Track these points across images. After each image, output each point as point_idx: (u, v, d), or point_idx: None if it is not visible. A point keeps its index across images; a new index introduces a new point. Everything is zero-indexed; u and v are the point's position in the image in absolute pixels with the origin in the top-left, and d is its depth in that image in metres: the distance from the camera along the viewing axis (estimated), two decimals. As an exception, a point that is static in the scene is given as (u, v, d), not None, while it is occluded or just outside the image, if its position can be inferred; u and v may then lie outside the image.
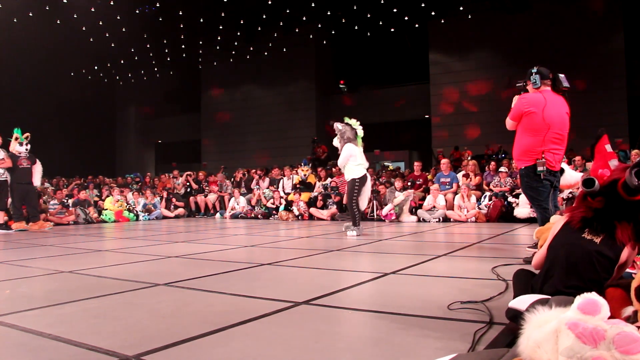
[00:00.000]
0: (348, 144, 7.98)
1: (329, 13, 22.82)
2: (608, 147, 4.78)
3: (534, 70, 4.85)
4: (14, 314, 2.96)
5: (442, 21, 22.75)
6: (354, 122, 8.19)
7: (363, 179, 7.99)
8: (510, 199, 10.70)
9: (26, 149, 10.82)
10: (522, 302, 2.23)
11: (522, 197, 10.10)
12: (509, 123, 4.96)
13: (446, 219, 10.88)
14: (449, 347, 2.17)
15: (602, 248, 2.37)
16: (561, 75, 4.86)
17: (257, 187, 14.99)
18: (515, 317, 2.08)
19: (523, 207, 10.11)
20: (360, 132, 8.22)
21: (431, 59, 23.52)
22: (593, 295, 1.59)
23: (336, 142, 8.20)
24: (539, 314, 1.69)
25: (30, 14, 20.19)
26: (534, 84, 4.83)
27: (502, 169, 11.64)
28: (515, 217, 10.26)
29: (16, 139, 10.81)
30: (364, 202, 8.27)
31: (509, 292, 3.15)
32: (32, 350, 2.29)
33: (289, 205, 13.08)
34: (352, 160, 7.97)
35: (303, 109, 26.08)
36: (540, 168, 4.67)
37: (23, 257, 5.86)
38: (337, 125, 8.19)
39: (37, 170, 10.98)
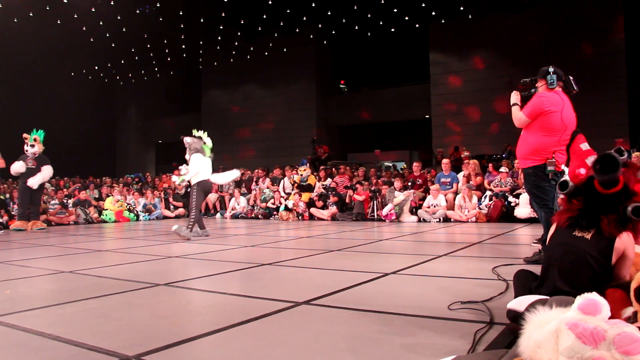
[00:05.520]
0: (195, 155, 8.18)
1: (329, 13, 22.81)
2: (584, 146, 4.75)
3: (551, 70, 4.75)
4: (15, 314, 2.97)
5: (443, 21, 22.74)
6: (203, 135, 8.50)
7: (202, 185, 8.16)
8: (511, 198, 10.70)
9: (33, 151, 10.79)
10: (520, 303, 2.23)
11: (523, 197, 10.10)
12: (522, 120, 4.83)
13: (446, 219, 10.87)
14: (449, 347, 2.17)
15: (595, 243, 2.41)
16: (570, 78, 4.84)
17: (257, 186, 14.99)
18: (516, 318, 2.08)
19: (523, 207, 10.10)
20: (209, 143, 8.49)
21: (431, 59, 23.49)
22: (593, 296, 1.59)
23: (188, 156, 8.37)
24: (540, 314, 1.70)
25: (31, 14, 20.18)
26: (550, 84, 4.73)
27: (502, 169, 11.63)
28: (516, 217, 10.25)
29: (25, 138, 10.84)
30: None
31: (510, 292, 3.15)
32: (32, 350, 2.29)
33: (289, 205, 13.08)
34: (198, 170, 8.21)
35: (303, 108, 26.05)
36: (550, 167, 4.63)
37: (23, 257, 5.86)
38: (186, 139, 8.40)
39: (40, 173, 10.84)
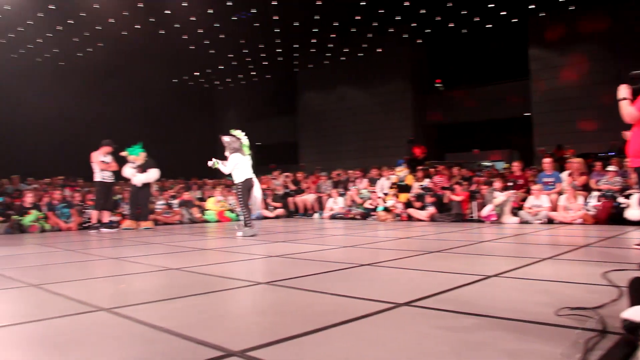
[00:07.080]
0: (234, 154, 8.82)
1: (423, 11, 22.50)
2: None
3: None
4: (129, 306, 3.17)
5: (542, 14, 21.82)
6: (239, 133, 9.05)
7: (246, 184, 8.83)
8: (620, 199, 10.06)
9: (137, 165, 11.49)
10: (638, 313, 2.09)
11: (634, 197, 9.48)
12: (633, 114, 4.54)
13: (550, 221, 10.41)
14: (556, 355, 2.08)
15: None
16: None
17: (354, 186, 15.03)
18: (634, 329, 1.95)
19: (635, 209, 9.48)
20: (245, 141, 9.05)
21: (531, 54, 22.59)
22: None
23: (227, 153, 8.93)
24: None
25: (138, 26, 21.38)
26: None
27: (610, 167, 10.98)
28: (626, 220, 9.62)
29: (126, 156, 11.54)
30: (254, 206, 9.24)
31: (624, 300, 2.96)
32: (146, 341, 2.44)
33: (388, 206, 12.99)
34: (238, 168, 8.83)
35: (399, 109, 25.85)
36: None
37: (135, 254, 6.23)
38: (225, 138, 8.99)
39: (146, 173, 11.50)
